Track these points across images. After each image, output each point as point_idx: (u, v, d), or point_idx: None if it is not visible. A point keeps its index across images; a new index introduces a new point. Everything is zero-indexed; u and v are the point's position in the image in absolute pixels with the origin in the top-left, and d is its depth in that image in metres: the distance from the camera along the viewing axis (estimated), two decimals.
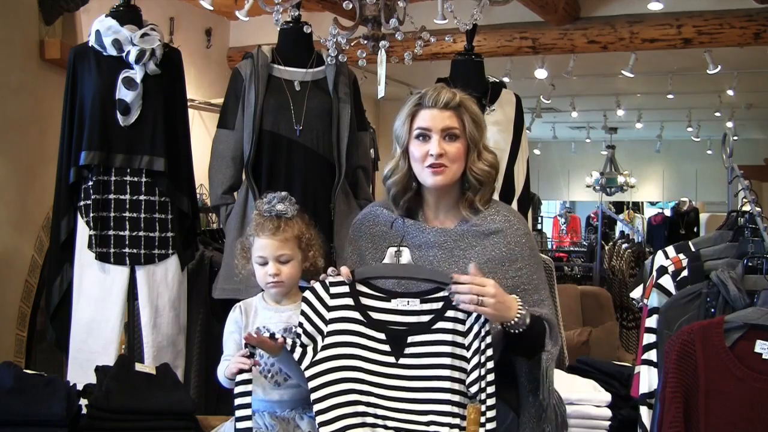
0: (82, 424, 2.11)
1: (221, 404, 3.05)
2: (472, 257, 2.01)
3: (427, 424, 1.81)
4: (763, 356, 2.02)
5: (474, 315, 1.85)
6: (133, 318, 2.85)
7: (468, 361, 1.84)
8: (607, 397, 2.86)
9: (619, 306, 6.31)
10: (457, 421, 1.81)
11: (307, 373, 1.83)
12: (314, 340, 1.86)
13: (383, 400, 1.82)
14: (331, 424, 1.80)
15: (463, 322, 1.87)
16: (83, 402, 2.19)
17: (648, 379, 2.36)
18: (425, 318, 1.88)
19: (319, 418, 1.80)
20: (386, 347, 1.86)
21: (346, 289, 1.89)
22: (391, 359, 1.85)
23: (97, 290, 2.77)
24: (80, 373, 2.64)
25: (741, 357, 2.03)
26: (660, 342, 2.30)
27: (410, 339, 1.86)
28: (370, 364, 1.84)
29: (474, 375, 1.82)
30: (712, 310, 2.20)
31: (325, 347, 1.85)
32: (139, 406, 2.18)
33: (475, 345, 1.83)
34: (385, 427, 1.82)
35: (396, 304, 1.89)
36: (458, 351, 1.85)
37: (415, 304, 1.88)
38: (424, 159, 2.01)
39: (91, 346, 2.75)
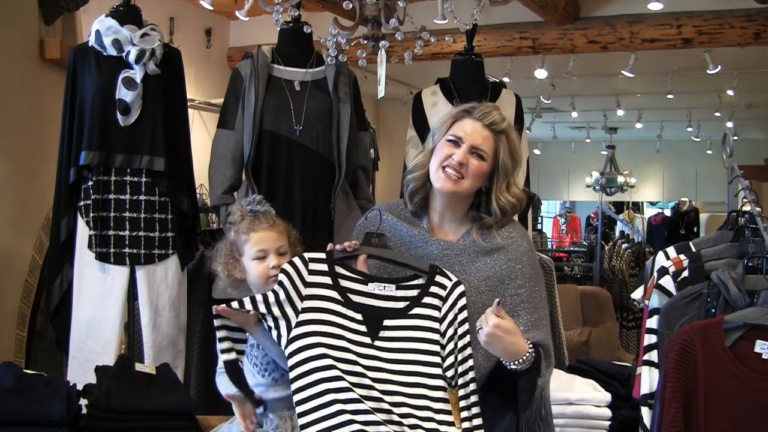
0: (82, 424, 2.11)
1: (221, 404, 3.04)
2: (473, 273, 2.01)
3: (398, 405, 1.81)
4: (763, 356, 2.02)
5: (449, 303, 1.90)
6: (133, 318, 2.85)
7: (444, 347, 1.88)
8: (607, 397, 2.86)
9: (619, 306, 6.31)
10: (431, 404, 1.83)
11: (287, 351, 1.84)
12: (286, 316, 1.86)
13: (359, 378, 1.82)
14: (310, 401, 1.78)
15: (438, 308, 1.90)
16: (83, 402, 2.19)
17: (649, 380, 2.36)
18: (400, 304, 1.91)
19: (298, 396, 1.79)
20: (362, 327, 1.88)
21: (324, 267, 1.92)
22: (367, 340, 1.87)
23: (97, 290, 2.77)
24: (80, 373, 2.64)
25: (741, 357, 2.03)
26: (661, 343, 2.29)
27: (386, 322, 1.89)
28: (346, 342, 1.85)
29: (449, 360, 1.87)
30: (713, 310, 2.20)
31: (300, 323, 1.85)
32: (139, 406, 2.18)
33: (450, 332, 1.88)
34: (360, 409, 1.80)
35: (373, 287, 1.92)
36: (434, 337, 1.88)
37: (391, 289, 1.92)
38: (445, 159, 2.01)
39: (91, 346, 2.75)
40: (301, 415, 1.79)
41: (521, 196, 2.08)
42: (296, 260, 1.92)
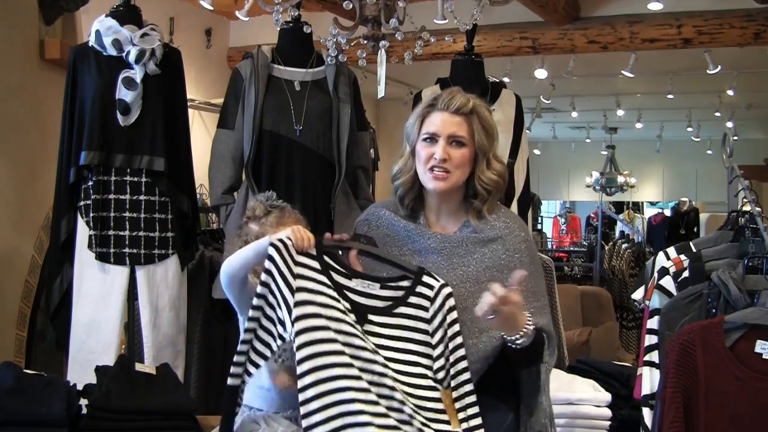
0: (82, 424, 2.11)
1: (221, 404, 3.04)
2: (471, 264, 2.01)
3: (390, 398, 1.78)
4: (763, 356, 2.02)
5: (437, 304, 1.88)
6: (133, 318, 2.85)
7: (434, 348, 1.87)
8: (607, 397, 2.86)
9: (619, 306, 6.33)
10: (421, 403, 1.81)
11: (293, 332, 1.77)
12: (286, 300, 1.79)
13: (358, 361, 1.79)
14: (317, 387, 1.74)
15: (426, 309, 1.89)
16: (83, 402, 2.19)
17: (650, 381, 2.36)
18: (382, 303, 1.89)
19: (304, 381, 1.73)
20: (352, 317, 1.84)
21: (313, 252, 1.87)
22: (358, 328, 1.84)
23: (97, 290, 2.77)
24: (80, 373, 2.64)
25: (741, 357, 2.03)
26: (662, 343, 2.30)
27: (370, 317, 1.87)
28: (341, 324, 1.81)
29: (440, 362, 1.85)
30: (714, 310, 2.20)
31: (298, 304, 1.79)
32: (139, 406, 2.18)
33: (440, 334, 1.87)
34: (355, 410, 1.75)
35: (356, 284, 1.89)
36: (422, 337, 1.87)
37: (374, 288, 1.90)
38: (428, 161, 2.02)
39: (91, 346, 2.75)
40: (306, 411, 1.75)
41: (502, 170, 2.08)
42: (282, 244, 1.84)
